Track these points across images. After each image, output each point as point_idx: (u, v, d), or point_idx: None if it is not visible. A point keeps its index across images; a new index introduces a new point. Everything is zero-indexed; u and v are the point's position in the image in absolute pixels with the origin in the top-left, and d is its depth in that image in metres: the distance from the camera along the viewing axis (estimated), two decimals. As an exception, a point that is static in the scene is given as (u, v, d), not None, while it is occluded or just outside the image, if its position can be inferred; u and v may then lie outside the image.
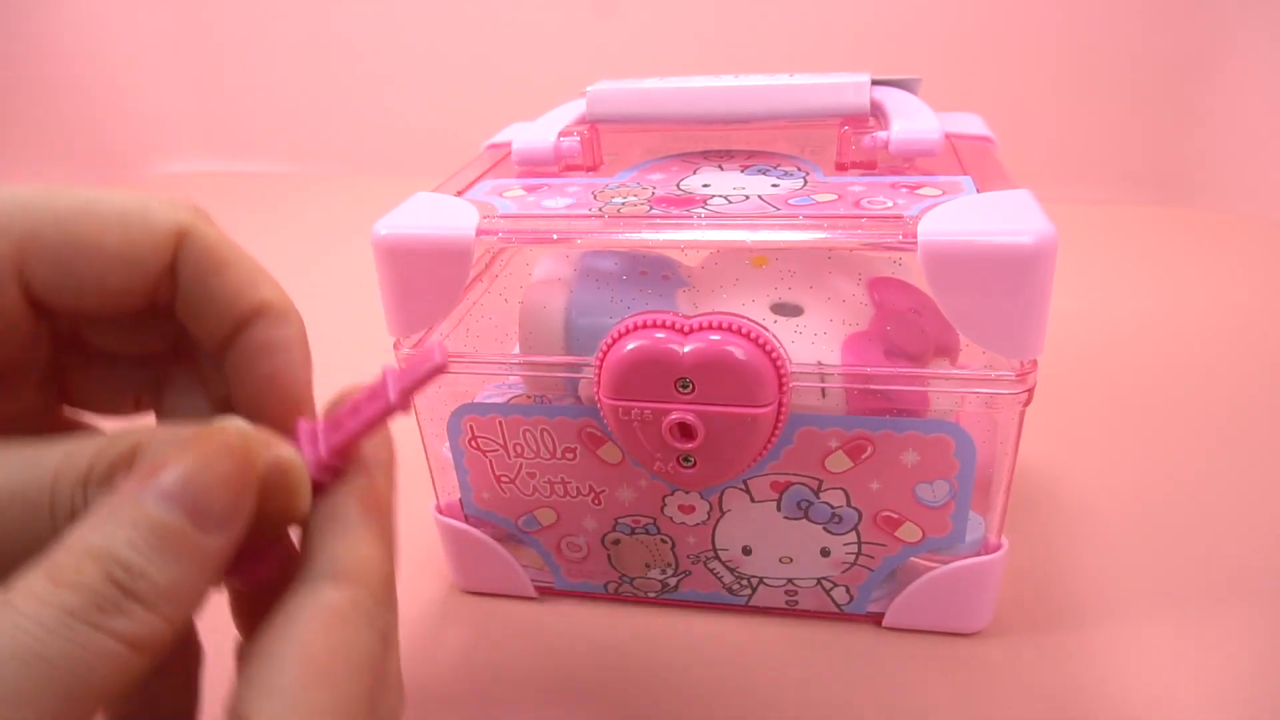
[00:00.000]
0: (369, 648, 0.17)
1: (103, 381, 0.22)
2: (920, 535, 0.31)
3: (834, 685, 0.31)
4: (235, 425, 0.17)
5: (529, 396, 0.33)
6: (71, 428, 0.22)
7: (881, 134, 0.32)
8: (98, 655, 0.14)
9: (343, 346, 0.60)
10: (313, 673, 0.16)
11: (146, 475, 0.16)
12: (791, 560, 0.33)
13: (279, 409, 0.20)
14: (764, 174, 0.33)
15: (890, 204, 0.28)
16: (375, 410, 0.19)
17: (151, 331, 0.22)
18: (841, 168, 0.33)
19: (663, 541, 0.34)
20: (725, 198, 0.30)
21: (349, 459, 0.20)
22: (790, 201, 0.29)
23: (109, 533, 0.15)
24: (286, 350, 0.20)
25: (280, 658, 0.16)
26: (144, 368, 0.22)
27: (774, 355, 0.28)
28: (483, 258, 0.36)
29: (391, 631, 0.19)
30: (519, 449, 0.33)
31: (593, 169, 0.35)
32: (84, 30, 1.03)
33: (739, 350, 0.28)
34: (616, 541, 0.34)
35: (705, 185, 0.32)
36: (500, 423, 0.32)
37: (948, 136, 0.34)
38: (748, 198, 0.30)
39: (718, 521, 0.33)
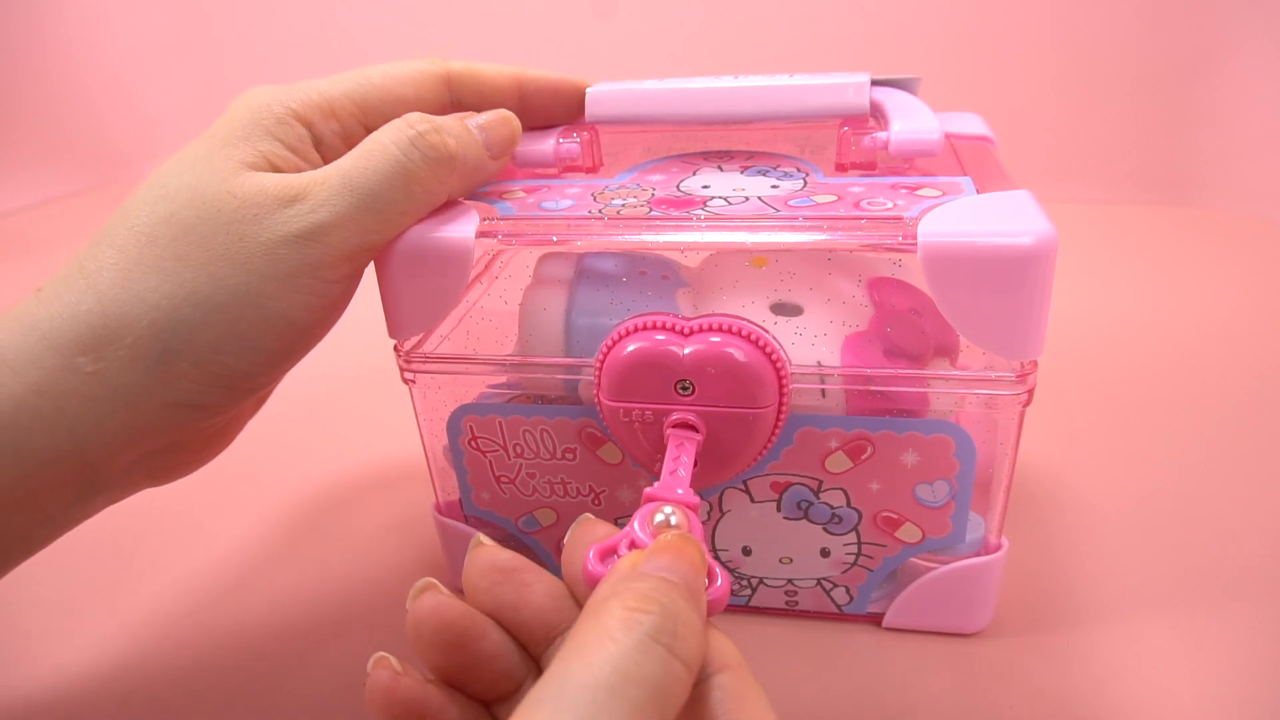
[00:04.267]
0: (661, 669, 0.18)
1: None
2: (920, 535, 0.31)
3: (834, 685, 0.31)
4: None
5: (529, 397, 0.33)
6: None
7: (881, 134, 0.32)
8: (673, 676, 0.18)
9: (343, 348, 0.61)
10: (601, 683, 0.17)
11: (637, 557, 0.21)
12: (791, 561, 0.33)
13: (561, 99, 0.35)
14: (764, 175, 0.33)
15: (890, 205, 0.28)
16: None
17: None
18: (841, 168, 0.33)
19: (663, 542, 0.34)
20: (725, 199, 0.30)
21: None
22: (790, 203, 0.29)
23: (637, 583, 0.19)
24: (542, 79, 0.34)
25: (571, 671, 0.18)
26: None
27: (774, 356, 0.28)
28: (482, 259, 0.36)
29: (694, 659, 0.19)
30: (519, 449, 0.33)
31: (592, 170, 0.35)
32: (84, 30, 1.03)
33: (739, 352, 0.28)
34: (616, 542, 0.34)
35: (705, 186, 0.32)
36: (500, 423, 0.32)
37: (948, 136, 0.34)
38: (747, 199, 0.30)
39: (718, 522, 0.33)
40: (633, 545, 0.22)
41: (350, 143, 0.30)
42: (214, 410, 0.27)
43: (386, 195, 0.27)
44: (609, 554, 0.22)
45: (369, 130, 0.30)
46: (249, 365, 0.27)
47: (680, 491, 0.25)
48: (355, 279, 0.29)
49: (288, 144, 0.28)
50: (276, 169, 0.28)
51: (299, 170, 0.28)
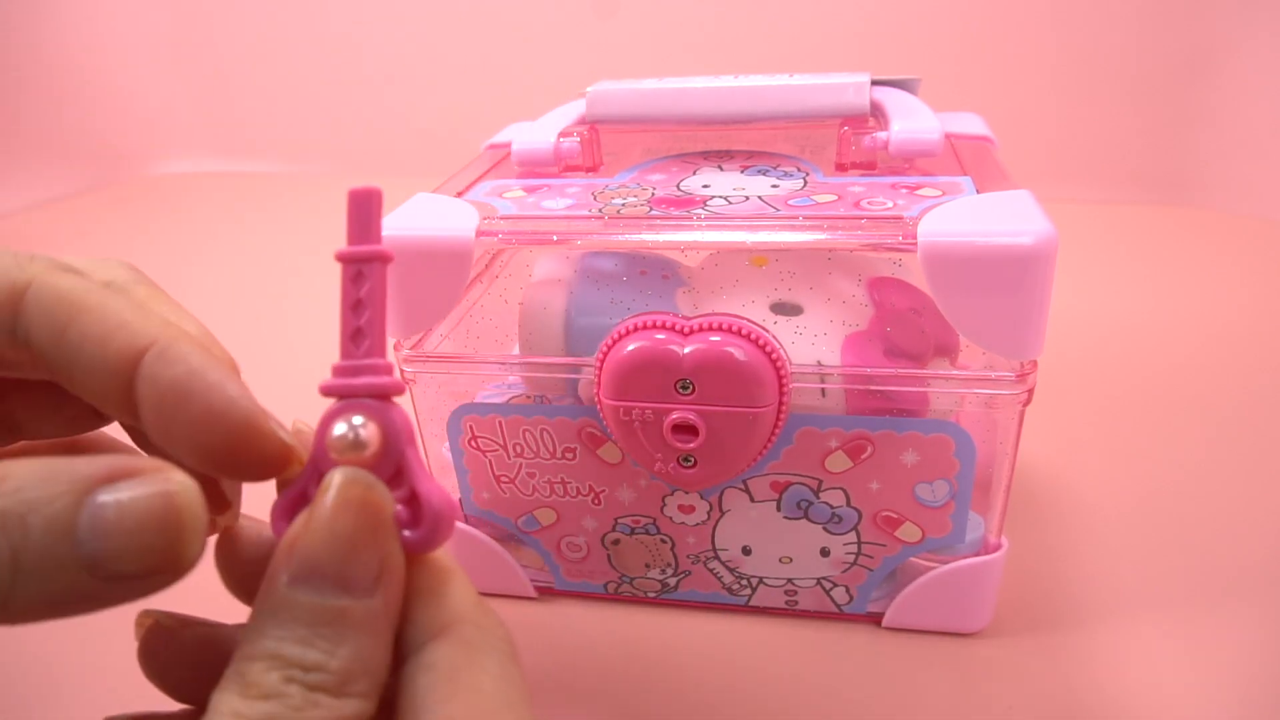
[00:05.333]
0: (495, 683, 0.16)
1: None
2: (920, 535, 0.31)
3: (834, 685, 0.31)
4: (345, 474, 0.16)
5: (529, 396, 0.33)
6: None
7: (881, 134, 0.32)
8: None
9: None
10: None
11: (285, 559, 0.16)
12: (791, 560, 0.33)
13: (235, 443, 0.17)
14: (764, 174, 0.33)
15: (890, 205, 0.28)
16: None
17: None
18: (841, 168, 0.33)
19: (662, 541, 0.34)
20: (725, 198, 0.30)
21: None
22: (790, 202, 0.29)
23: (274, 634, 0.15)
24: (198, 379, 0.16)
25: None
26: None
27: (774, 356, 0.28)
28: (482, 258, 0.36)
29: (509, 644, 0.17)
30: (519, 449, 0.33)
31: (592, 169, 0.35)
32: (84, 30, 1.03)
33: (739, 351, 0.28)
34: (616, 541, 0.34)
35: (705, 186, 0.32)
36: (500, 423, 0.32)
37: (948, 136, 0.34)
38: (747, 198, 0.30)
39: (717, 521, 0.33)
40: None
41: None
42: None
43: None
44: (296, 506, 0.17)
45: None
46: None
47: (363, 374, 0.17)
48: None
49: None
50: None
51: None
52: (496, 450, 0.33)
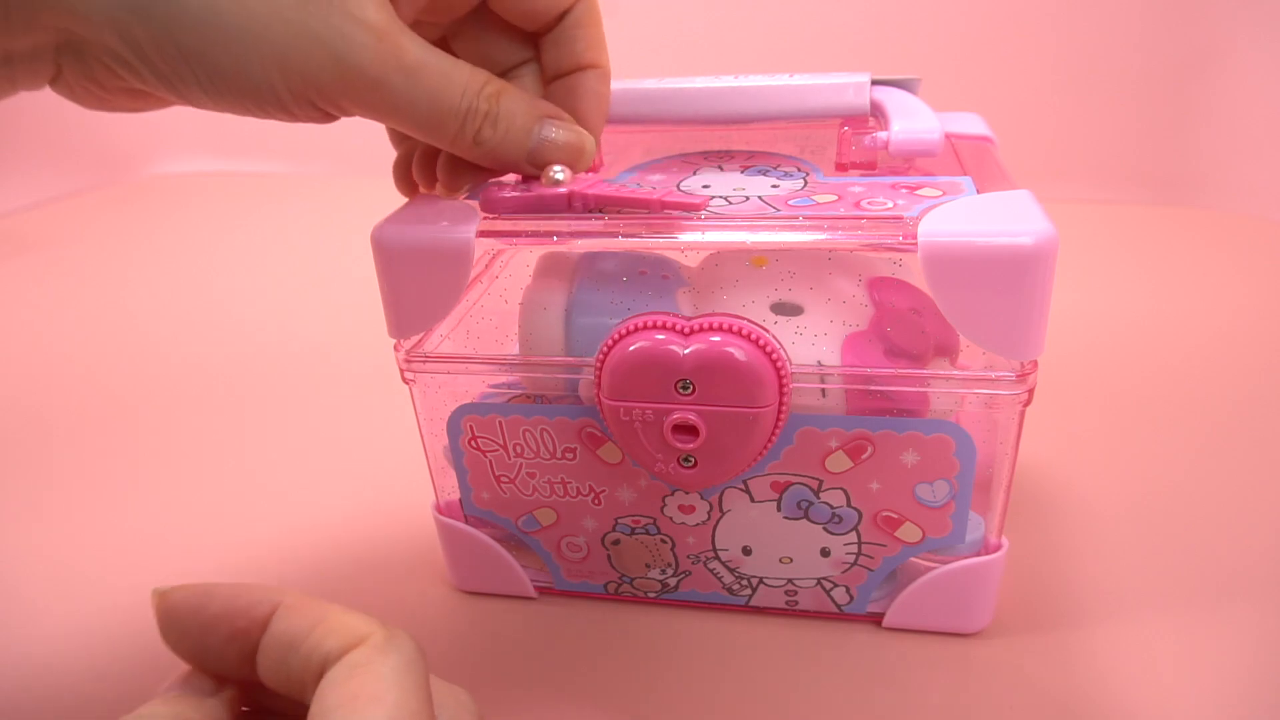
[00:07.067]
0: (393, 672, 0.18)
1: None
2: (920, 535, 0.31)
3: (834, 685, 0.31)
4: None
5: (529, 396, 0.33)
6: None
7: (881, 134, 0.32)
8: None
9: (343, 346, 0.61)
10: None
11: None
12: (791, 560, 0.33)
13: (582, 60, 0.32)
14: (764, 175, 0.33)
15: (890, 205, 0.28)
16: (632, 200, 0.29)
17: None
18: (841, 168, 0.33)
19: (663, 542, 0.34)
20: (725, 199, 0.30)
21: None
22: (790, 202, 0.29)
23: None
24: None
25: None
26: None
27: (774, 356, 0.28)
28: (482, 258, 0.36)
29: (415, 654, 0.19)
30: (519, 449, 0.33)
31: (593, 170, 0.35)
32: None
33: (739, 351, 0.28)
34: (616, 542, 0.34)
35: (705, 186, 0.32)
36: (500, 423, 0.32)
37: (948, 136, 0.34)
38: (748, 199, 0.30)
39: (718, 521, 0.33)
40: None
41: None
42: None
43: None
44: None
45: None
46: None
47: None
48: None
49: None
50: None
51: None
52: (496, 450, 0.33)
